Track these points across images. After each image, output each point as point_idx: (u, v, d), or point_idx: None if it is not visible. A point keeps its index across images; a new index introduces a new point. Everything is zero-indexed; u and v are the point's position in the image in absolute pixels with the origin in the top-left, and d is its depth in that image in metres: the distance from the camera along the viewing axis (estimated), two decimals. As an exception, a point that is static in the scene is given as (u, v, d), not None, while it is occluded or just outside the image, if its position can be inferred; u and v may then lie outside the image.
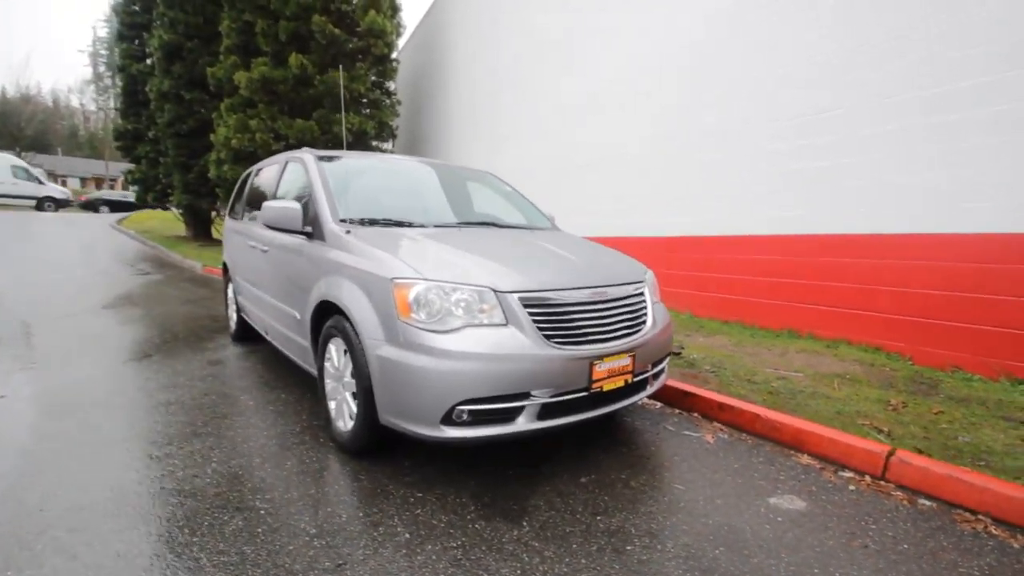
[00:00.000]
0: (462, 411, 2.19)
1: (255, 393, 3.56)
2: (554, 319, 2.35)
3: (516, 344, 2.23)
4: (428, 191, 3.76)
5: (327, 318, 2.79)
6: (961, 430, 2.95)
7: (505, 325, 2.26)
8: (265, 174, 4.34)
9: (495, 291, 2.29)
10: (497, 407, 2.22)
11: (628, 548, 1.93)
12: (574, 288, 2.47)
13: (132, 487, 2.27)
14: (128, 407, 3.25)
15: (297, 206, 3.02)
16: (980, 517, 2.18)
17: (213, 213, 17.03)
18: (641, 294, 2.76)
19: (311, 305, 2.87)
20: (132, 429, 2.90)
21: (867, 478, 2.51)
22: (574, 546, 1.93)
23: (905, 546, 2.00)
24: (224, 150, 11.90)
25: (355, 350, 2.46)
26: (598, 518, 2.13)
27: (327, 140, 12.31)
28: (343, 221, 2.93)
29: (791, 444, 2.82)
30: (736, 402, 3.14)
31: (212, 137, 12.37)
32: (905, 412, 3.22)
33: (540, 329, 2.30)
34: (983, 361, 3.62)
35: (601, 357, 2.40)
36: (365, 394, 2.42)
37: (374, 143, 13.43)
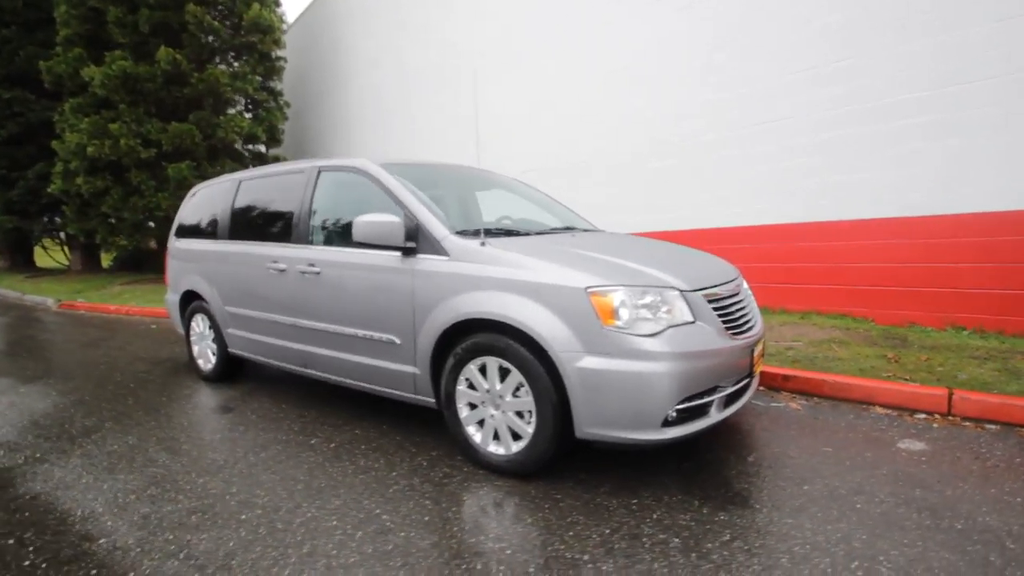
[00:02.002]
0: (673, 411, 2.21)
1: (326, 445, 3.09)
2: (725, 312, 2.49)
3: (710, 339, 2.32)
4: (522, 196, 3.71)
5: (459, 340, 2.58)
6: (954, 370, 3.73)
7: (693, 323, 2.32)
8: (272, 187, 3.75)
9: (680, 291, 2.35)
10: (700, 402, 2.29)
11: (822, 508, 2.15)
12: (724, 283, 2.64)
13: None
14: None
15: (398, 220, 2.70)
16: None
17: (51, 238, 13.76)
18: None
19: (437, 326, 2.60)
20: None
21: (936, 416, 3.08)
22: (763, 512, 2.09)
23: (1018, 460, 2.53)
24: (76, 159, 9.78)
25: (530, 367, 2.32)
26: (766, 488, 2.31)
27: (210, 147, 10.83)
28: (461, 233, 2.71)
29: (863, 400, 3.30)
30: (798, 372, 3.58)
31: (55, 144, 10.07)
32: (904, 362, 3.96)
33: (723, 322, 2.42)
34: (932, 316, 4.60)
35: (756, 343, 2.61)
36: (554, 410, 2.30)
37: (262, 149, 12.12)
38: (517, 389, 2.43)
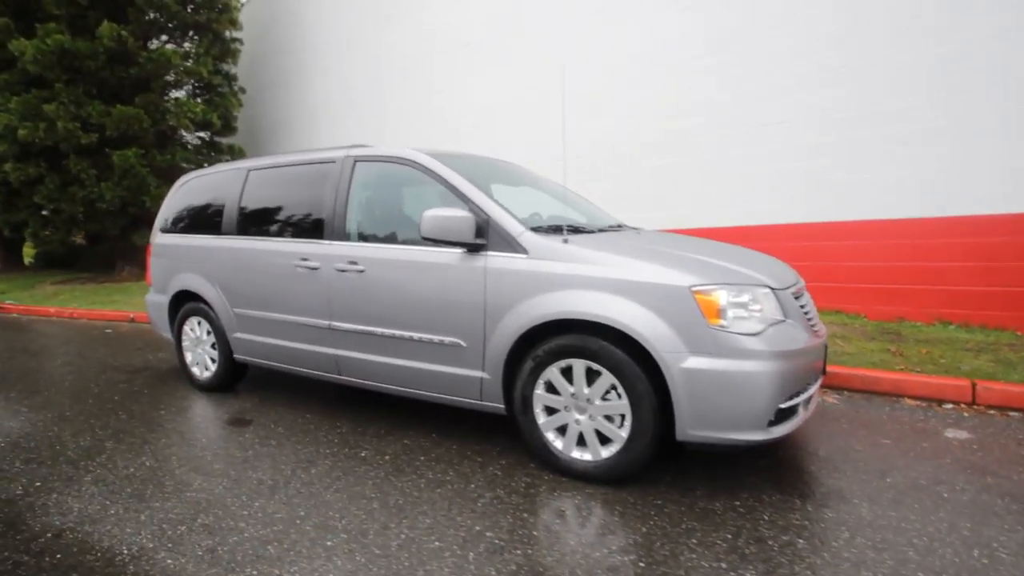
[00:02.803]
0: (776, 410, 2.20)
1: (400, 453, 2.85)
2: (804, 312, 2.51)
3: (801, 338, 2.32)
4: (546, 191, 3.58)
5: (538, 341, 2.46)
6: (955, 361, 4.00)
7: (784, 321, 2.33)
8: (294, 178, 3.42)
9: (772, 289, 2.34)
10: (796, 401, 2.29)
11: (916, 500, 2.22)
12: (798, 282, 2.67)
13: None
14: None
15: (468, 215, 2.53)
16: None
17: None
18: None
19: (516, 328, 2.46)
20: None
21: (963, 405, 3.28)
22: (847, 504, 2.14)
23: (1053, 446, 2.73)
24: (3, 143, 8.65)
25: (625, 368, 2.24)
26: (821, 486, 2.37)
27: (158, 132, 9.97)
28: (535, 230, 2.58)
29: (892, 392, 3.47)
30: (836, 368, 3.71)
31: (-25, 125, 8.85)
32: (908, 355, 4.20)
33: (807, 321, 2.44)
34: (921, 311, 4.92)
35: (825, 342, 2.66)
36: (653, 412, 2.23)
37: (214, 137, 11.28)
38: (607, 392, 2.35)
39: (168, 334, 4.25)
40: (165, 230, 4.26)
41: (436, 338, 2.74)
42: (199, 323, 3.96)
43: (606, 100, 6.79)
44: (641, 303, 2.24)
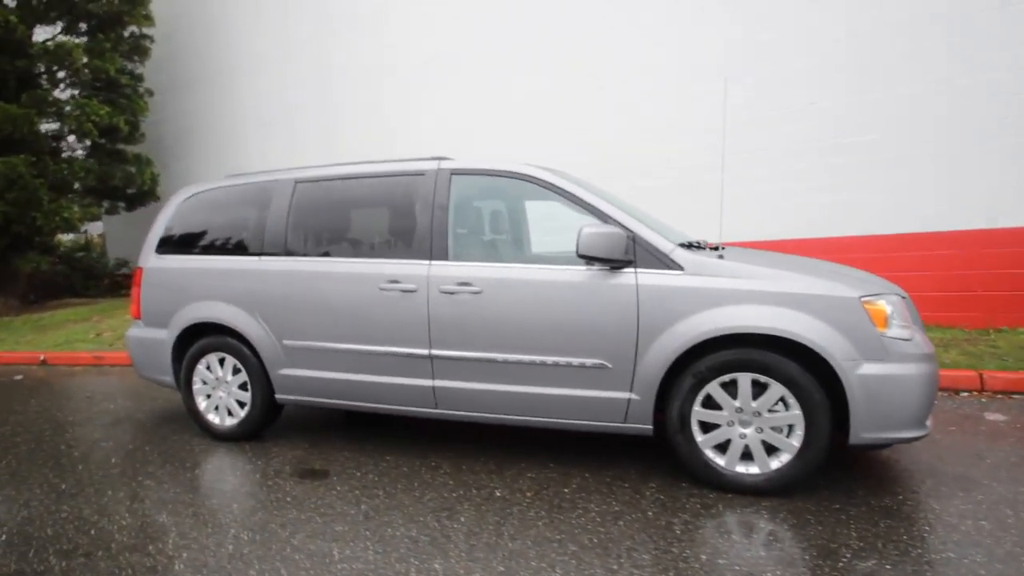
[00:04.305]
0: (926, 407, 2.40)
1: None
2: (910, 316, 2.77)
3: (927, 341, 2.56)
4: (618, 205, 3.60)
5: (694, 358, 2.43)
6: (944, 354, 4.65)
7: (911, 327, 2.55)
8: (364, 192, 3.06)
9: (903, 297, 2.56)
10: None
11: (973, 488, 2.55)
12: (893, 289, 2.94)
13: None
14: None
15: (621, 231, 2.45)
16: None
17: None
18: None
19: (677, 346, 2.40)
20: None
21: (974, 392, 3.81)
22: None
23: (1068, 421, 3.28)
24: None
25: (799, 379, 2.29)
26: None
27: (52, 138, 8.42)
28: (683, 246, 2.57)
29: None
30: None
31: None
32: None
33: (915, 327, 2.69)
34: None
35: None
36: (828, 420, 2.30)
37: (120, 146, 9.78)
38: (775, 404, 2.39)
39: (168, 377, 3.53)
40: (165, 251, 3.57)
41: (575, 361, 2.60)
42: (221, 361, 3.35)
43: (603, 121, 6.99)
44: (813, 315, 2.32)
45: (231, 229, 3.43)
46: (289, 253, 3.19)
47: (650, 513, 2.32)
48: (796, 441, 2.37)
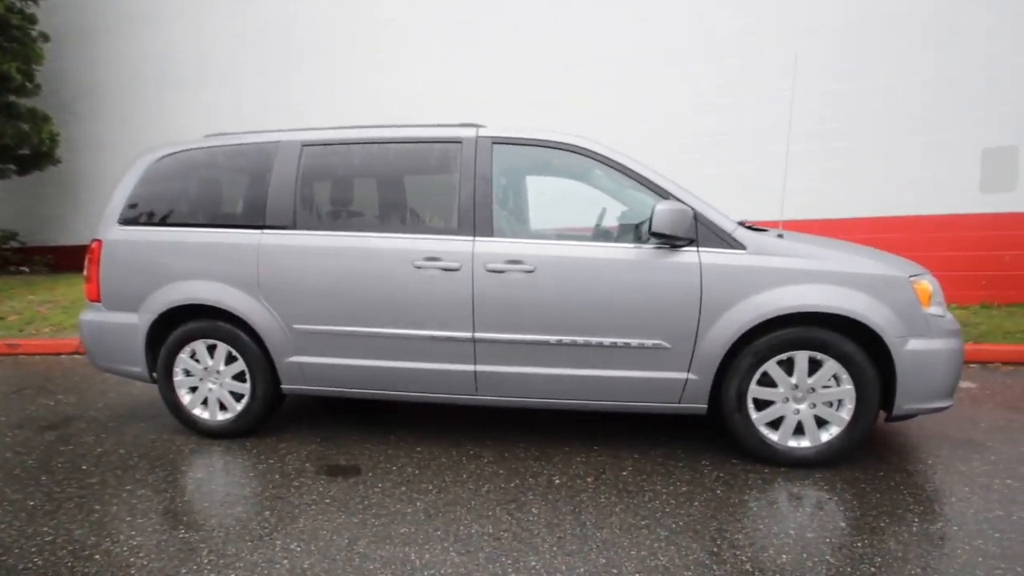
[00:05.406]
0: (950, 379, 2.59)
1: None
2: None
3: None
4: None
5: (753, 337, 2.45)
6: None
7: (943, 304, 2.73)
8: (390, 159, 2.73)
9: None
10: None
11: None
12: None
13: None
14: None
15: (689, 209, 2.39)
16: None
17: None
18: None
19: (739, 325, 2.39)
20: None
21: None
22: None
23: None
24: None
25: (853, 355, 2.37)
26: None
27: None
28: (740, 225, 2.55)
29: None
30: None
31: None
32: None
33: (936, 304, 2.89)
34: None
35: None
36: (878, 393, 2.41)
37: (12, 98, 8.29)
38: (828, 380, 2.47)
39: (138, 368, 3.02)
40: (132, 222, 3.02)
41: (634, 342, 2.52)
42: (210, 349, 2.92)
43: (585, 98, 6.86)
44: (871, 294, 2.40)
45: (220, 197, 2.98)
46: (298, 226, 2.81)
47: (719, 491, 2.33)
48: (846, 415, 2.47)
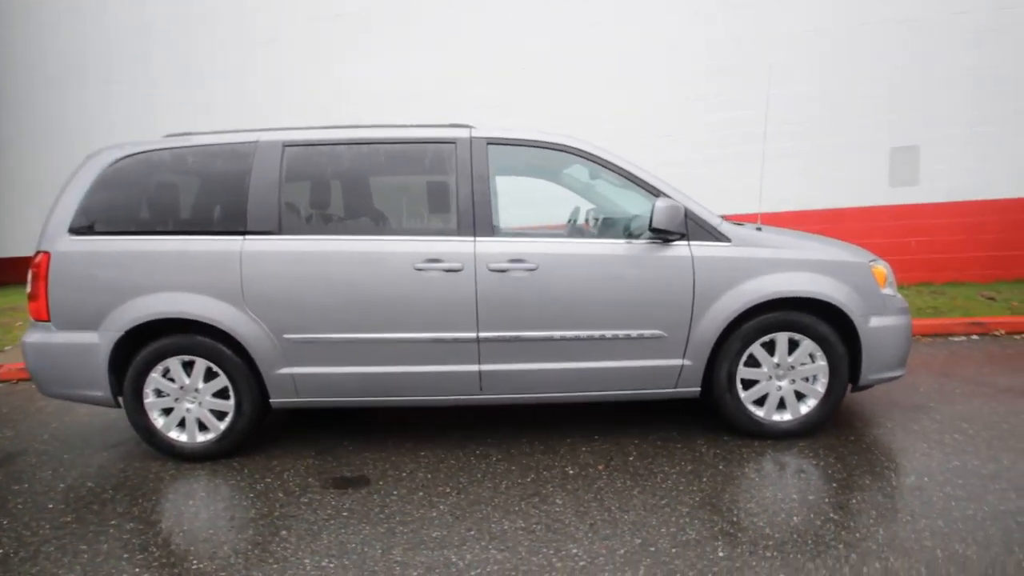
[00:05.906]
0: (900, 351, 2.93)
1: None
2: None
3: (897, 295, 3.12)
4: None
5: (740, 322, 2.65)
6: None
7: (894, 285, 3.07)
8: (380, 160, 2.66)
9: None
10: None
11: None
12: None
13: None
14: None
15: (681, 205, 2.53)
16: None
17: None
18: None
19: (728, 312, 2.58)
20: None
21: (964, 336, 4.69)
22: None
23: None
24: None
25: (827, 334, 2.63)
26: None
27: None
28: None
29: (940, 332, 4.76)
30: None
31: None
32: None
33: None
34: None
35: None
36: (847, 368, 2.68)
37: None
38: (805, 358, 2.71)
39: (99, 392, 2.73)
40: (85, 231, 2.72)
41: (634, 333, 2.64)
42: (186, 366, 2.71)
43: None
44: (839, 279, 2.67)
45: (192, 202, 2.77)
46: (284, 231, 2.67)
47: (721, 466, 2.50)
48: (821, 388, 2.73)
